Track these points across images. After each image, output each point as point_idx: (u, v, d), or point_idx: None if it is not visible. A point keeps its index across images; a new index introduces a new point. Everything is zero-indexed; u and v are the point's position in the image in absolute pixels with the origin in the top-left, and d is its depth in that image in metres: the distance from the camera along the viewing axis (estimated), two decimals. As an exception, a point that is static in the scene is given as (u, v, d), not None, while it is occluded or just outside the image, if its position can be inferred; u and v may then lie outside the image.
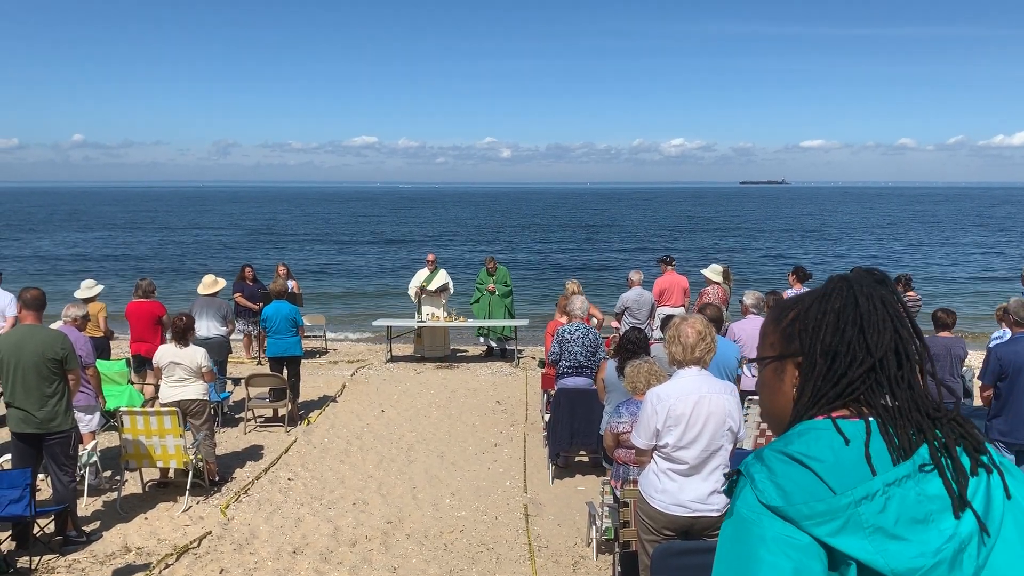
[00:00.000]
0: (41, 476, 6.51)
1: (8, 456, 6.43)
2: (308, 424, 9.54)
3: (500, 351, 13.66)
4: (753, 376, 7.78)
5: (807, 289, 8.47)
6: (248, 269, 13.18)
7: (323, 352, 14.21)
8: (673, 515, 3.96)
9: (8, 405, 6.01)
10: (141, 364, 9.59)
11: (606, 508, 5.68)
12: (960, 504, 1.22)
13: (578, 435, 7.48)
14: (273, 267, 13.90)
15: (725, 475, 1.40)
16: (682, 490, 3.97)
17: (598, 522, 5.76)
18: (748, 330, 7.85)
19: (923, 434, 1.29)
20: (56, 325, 7.25)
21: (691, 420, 3.93)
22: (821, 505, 1.19)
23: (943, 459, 1.26)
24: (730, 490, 1.36)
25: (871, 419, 1.33)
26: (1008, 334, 6.08)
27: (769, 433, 7.28)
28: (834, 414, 1.36)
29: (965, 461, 1.28)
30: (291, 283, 13.51)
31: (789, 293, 9.74)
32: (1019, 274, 9.89)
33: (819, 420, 1.36)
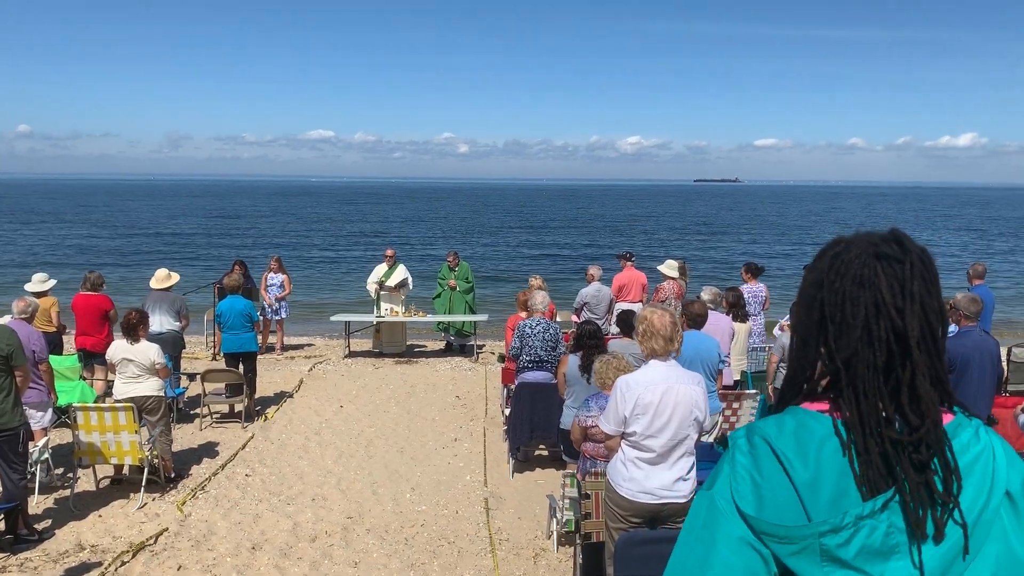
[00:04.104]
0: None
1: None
2: (265, 420, 9.44)
3: (459, 346, 13.66)
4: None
5: (760, 285, 8.54)
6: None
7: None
8: (640, 502, 4.04)
9: (-45, 402, 5.85)
10: (87, 358, 9.39)
11: (567, 501, 5.74)
12: (918, 537, 1.18)
13: (538, 429, 7.53)
14: (230, 262, 13.63)
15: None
16: (648, 478, 4.04)
17: (558, 515, 5.82)
18: (706, 326, 7.97)
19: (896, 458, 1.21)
20: (5, 319, 7.08)
21: (659, 409, 4.00)
22: (782, 531, 1.19)
23: (908, 491, 1.19)
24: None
25: (844, 426, 1.25)
26: (955, 328, 6.28)
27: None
28: (817, 406, 1.30)
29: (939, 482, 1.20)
30: (282, 276, 13.34)
31: (745, 288, 9.91)
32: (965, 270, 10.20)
33: (816, 412, 1.29)
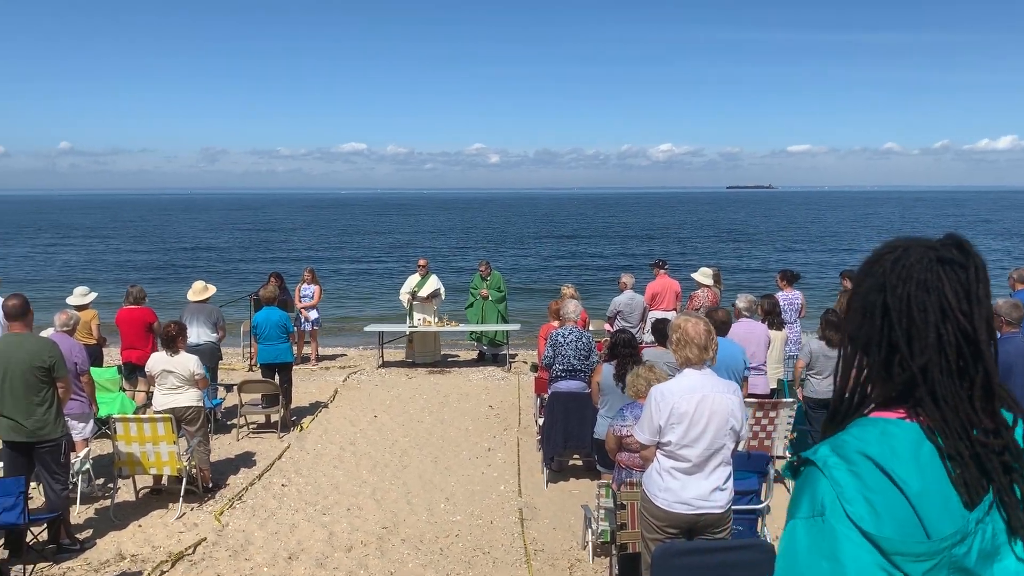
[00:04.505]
0: (33, 484, 6.47)
1: (0, 464, 6.40)
2: (301, 430, 9.51)
3: (492, 356, 13.66)
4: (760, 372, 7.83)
5: (796, 292, 8.42)
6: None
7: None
8: (677, 513, 3.99)
9: (-1, 414, 5.98)
10: (132, 371, 9.55)
11: (602, 511, 5.70)
12: (1019, 535, 1.17)
13: (572, 439, 7.50)
14: (264, 274, 13.78)
15: (790, 462, 1.33)
16: (685, 488, 4.00)
17: (594, 525, 5.78)
18: (741, 333, 7.89)
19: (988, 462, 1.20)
20: (47, 332, 7.22)
21: (694, 418, 3.96)
22: (922, 547, 1.15)
23: (1002, 492, 1.19)
24: (792, 474, 1.29)
25: (934, 432, 1.22)
26: (998, 335, 6.14)
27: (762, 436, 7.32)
28: (891, 414, 1.27)
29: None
30: (315, 288, 13.47)
31: (780, 296, 9.79)
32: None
33: (893, 419, 1.26)
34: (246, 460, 8.41)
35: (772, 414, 7.33)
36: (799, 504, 1.24)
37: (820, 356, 7.49)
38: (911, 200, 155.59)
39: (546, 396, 7.93)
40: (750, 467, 5.47)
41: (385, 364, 13.36)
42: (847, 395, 1.33)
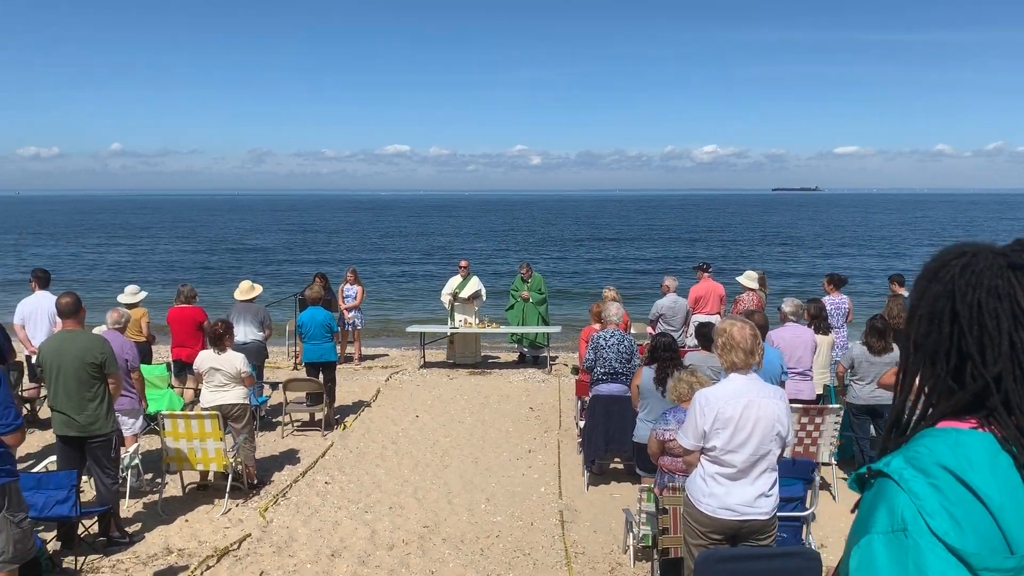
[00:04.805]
0: (85, 478, 6.64)
1: (54, 458, 6.57)
2: (344, 428, 9.61)
3: (532, 358, 13.66)
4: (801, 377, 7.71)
5: (843, 297, 8.29)
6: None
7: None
8: (721, 519, 3.95)
9: (52, 409, 6.14)
10: (182, 369, 9.74)
11: (643, 515, 5.66)
12: None
13: (613, 442, 7.46)
14: (308, 275, 13.97)
15: (858, 474, 1.29)
16: (729, 494, 3.95)
17: (635, 529, 5.74)
18: (787, 337, 7.79)
19: None
20: (99, 330, 7.40)
21: (740, 423, 3.91)
22: (1010, 562, 1.12)
23: None
24: (859, 486, 1.27)
25: (1009, 442, 1.20)
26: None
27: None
28: (963, 424, 1.24)
29: None
30: (357, 288, 13.62)
31: (827, 300, 9.63)
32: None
33: (965, 429, 1.23)
34: (290, 457, 8.53)
35: (818, 420, 7.21)
36: (874, 518, 1.20)
37: (863, 362, 7.35)
38: (964, 203, 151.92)
39: (587, 399, 7.90)
40: (795, 473, 5.39)
41: (426, 364, 13.44)
42: (911, 404, 1.30)
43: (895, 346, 7.30)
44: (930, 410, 1.29)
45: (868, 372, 7.33)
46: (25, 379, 9.55)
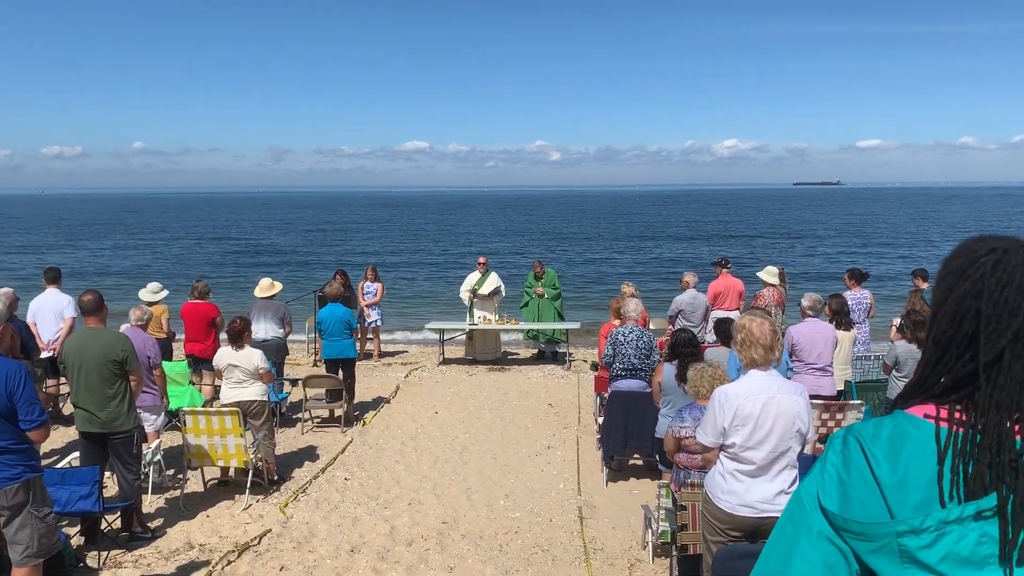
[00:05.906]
0: (107, 474, 6.71)
1: (77, 454, 6.65)
2: (364, 425, 9.65)
3: (551, 354, 13.65)
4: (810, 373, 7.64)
5: (864, 292, 8.21)
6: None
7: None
8: (740, 516, 3.92)
9: (75, 406, 6.21)
10: (194, 364, 9.82)
11: (662, 511, 5.64)
12: (1006, 556, 1.12)
13: (632, 438, 7.44)
14: (328, 272, 14.02)
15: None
16: (749, 491, 3.92)
17: (654, 525, 5.72)
18: (806, 333, 7.73)
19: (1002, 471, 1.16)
20: (122, 327, 7.47)
21: (760, 420, 3.88)
22: (858, 527, 1.20)
23: (1011, 508, 1.14)
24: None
25: (954, 431, 1.21)
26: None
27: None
28: (921, 410, 1.27)
29: None
30: (377, 285, 13.65)
31: (849, 295, 9.54)
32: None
33: (916, 417, 1.27)
34: (310, 454, 8.57)
35: (839, 416, 7.15)
36: (806, 477, 1.37)
37: (909, 359, 7.15)
38: (990, 196, 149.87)
39: (606, 395, 7.88)
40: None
41: (445, 361, 13.46)
42: (910, 388, 1.34)
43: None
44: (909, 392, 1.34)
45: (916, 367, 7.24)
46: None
